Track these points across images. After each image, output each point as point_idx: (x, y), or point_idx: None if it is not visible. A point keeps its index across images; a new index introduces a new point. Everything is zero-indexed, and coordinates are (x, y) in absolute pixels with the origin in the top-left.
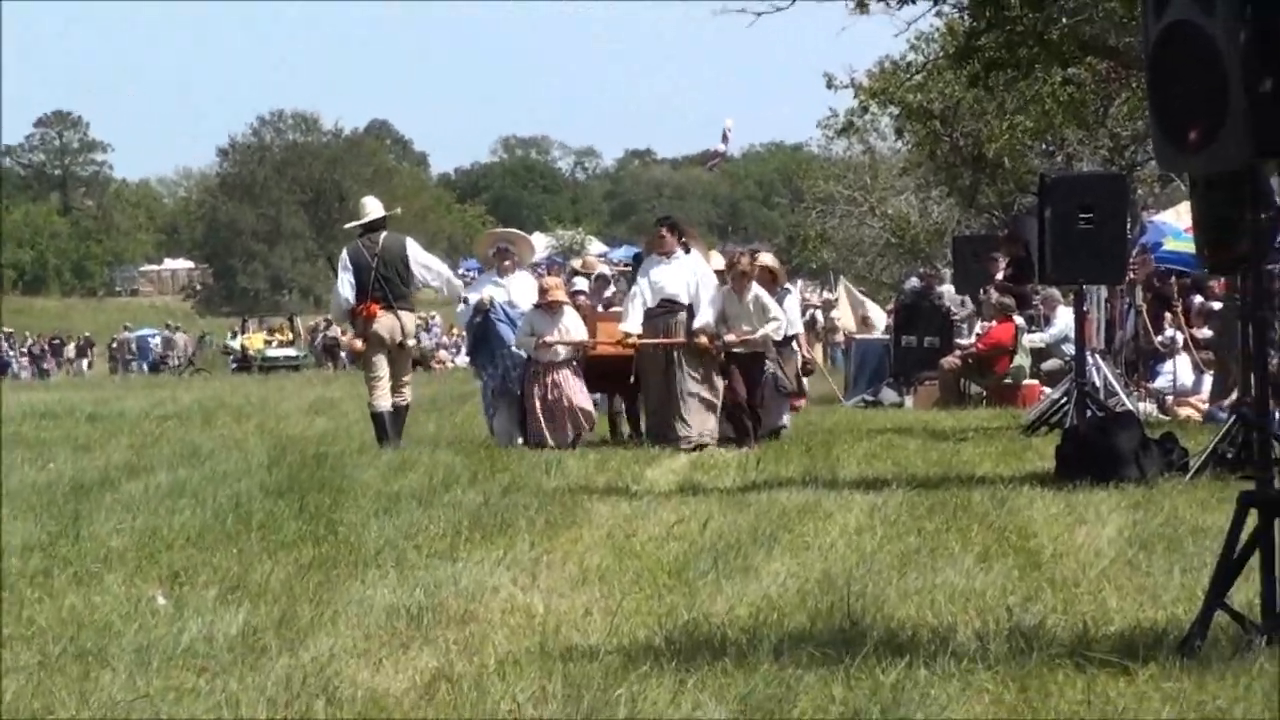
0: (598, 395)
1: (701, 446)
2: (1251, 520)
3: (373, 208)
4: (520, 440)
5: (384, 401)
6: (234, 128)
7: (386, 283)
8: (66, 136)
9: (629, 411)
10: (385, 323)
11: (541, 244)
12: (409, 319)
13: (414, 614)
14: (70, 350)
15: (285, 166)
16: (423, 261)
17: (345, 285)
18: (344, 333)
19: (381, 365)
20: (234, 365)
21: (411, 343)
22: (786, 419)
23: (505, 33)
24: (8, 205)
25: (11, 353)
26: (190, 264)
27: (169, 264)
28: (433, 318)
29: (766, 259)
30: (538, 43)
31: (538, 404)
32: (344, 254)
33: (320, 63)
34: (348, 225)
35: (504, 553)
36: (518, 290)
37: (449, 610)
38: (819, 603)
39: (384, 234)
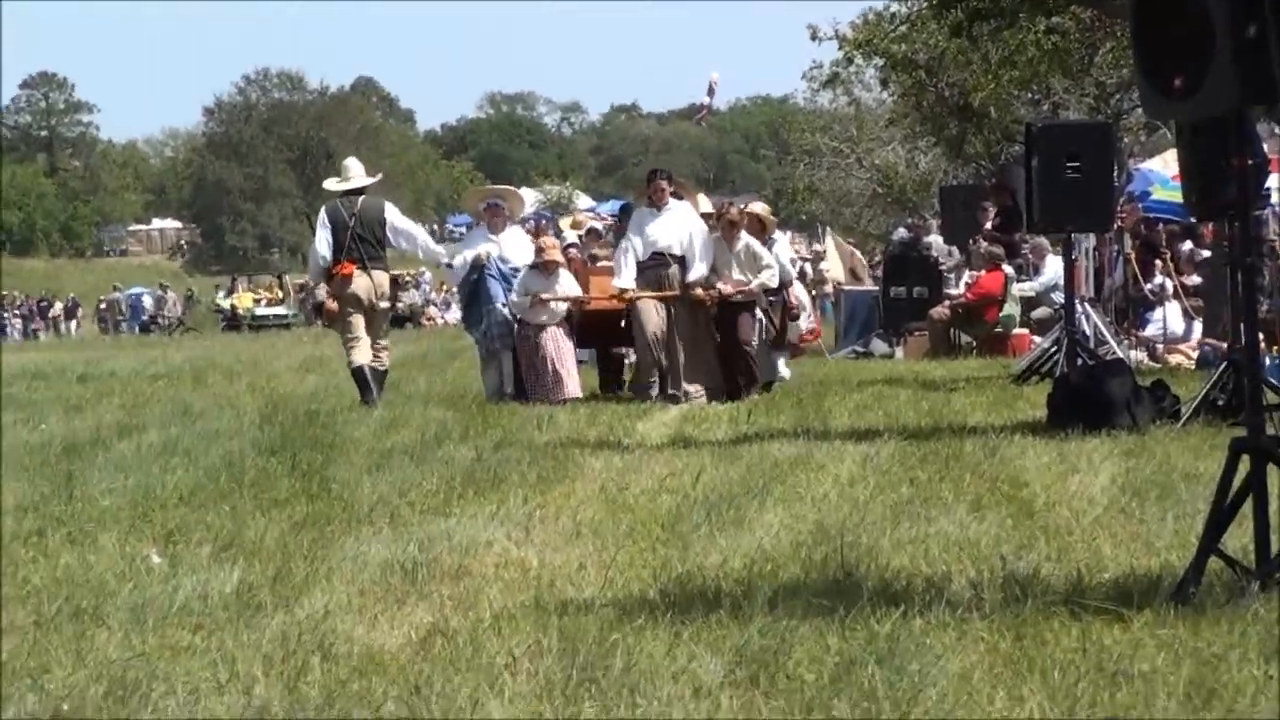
0: (587, 353)
1: (704, 398)
2: (1244, 467)
3: (356, 172)
4: (510, 395)
5: (362, 355)
6: (220, 87)
7: (362, 243)
8: (52, 98)
9: (617, 366)
10: (361, 283)
11: (530, 199)
12: (384, 279)
13: (408, 569)
14: (58, 311)
15: (271, 125)
16: (401, 228)
17: (323, 244)
18: (328, 294)
19: (359, 325)
20: (224, 324)
21: (386, 305)
22: (785, 370)
23: None
24: None
25: (5, 314)
26: (178, 224)
27: (157, 224)
28: (421, 274)
29: (757, 207)
30: None
31: (528, 363)
32: (322, 213)
33: (305, 21)
34: (327, 185)
35: (497, 508)
36: (510, 246)
37: (443, 565)
38: (813, 554)
39: (363, 196)
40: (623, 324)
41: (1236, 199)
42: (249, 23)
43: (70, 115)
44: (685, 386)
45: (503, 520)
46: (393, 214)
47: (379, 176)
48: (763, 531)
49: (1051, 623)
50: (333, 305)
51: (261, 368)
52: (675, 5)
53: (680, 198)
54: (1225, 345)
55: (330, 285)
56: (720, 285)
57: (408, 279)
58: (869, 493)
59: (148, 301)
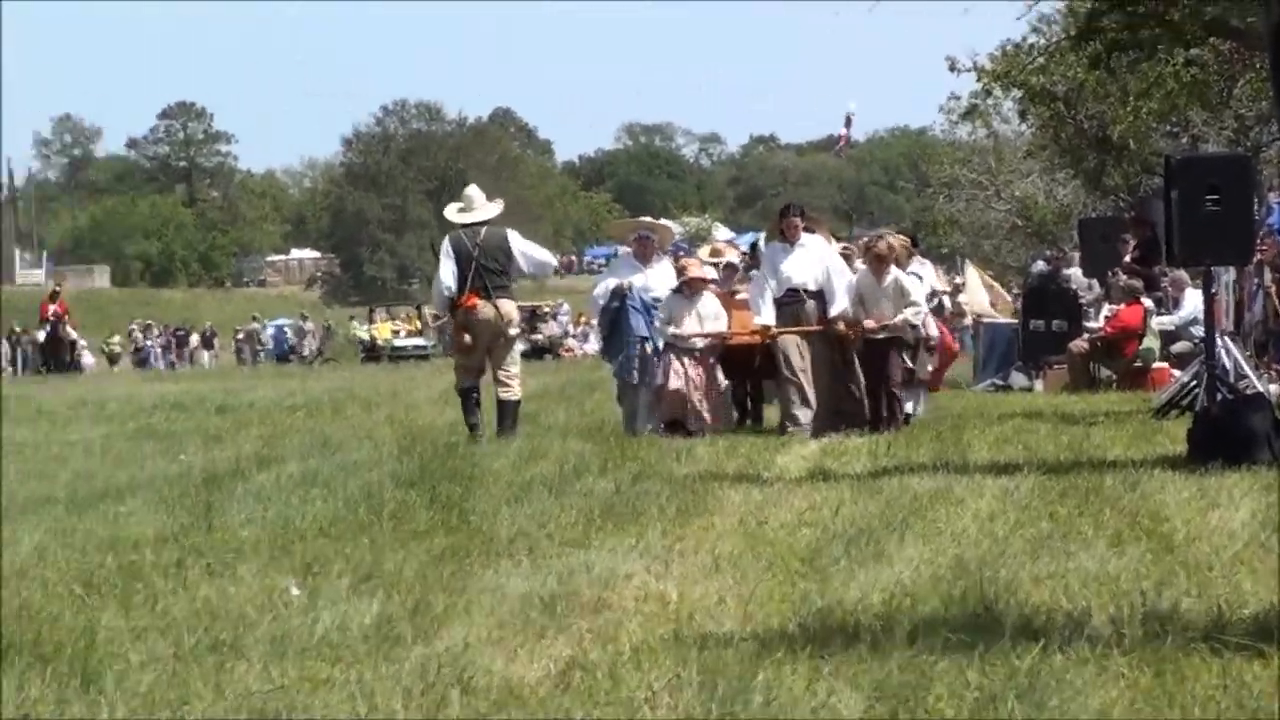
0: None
1: (839, 433)
2: None
3: (480, 203)
4: (650, 428)
5: (471, 379)
6: (358, 118)
7: (487, 273)
8: (191, 128)
9: (753, 400)
10: (487, 313)
11: (674, 232)
12: (510, 307)
13: (547, 602)
14: (195, 342)
15: (410, 156)
16: (525, 251)
17: (448, 274)
18: (457, 327)
19: (476, 354)
20: (363, 355)
21: (515, 331)
22: (918, 407)
23: (629, 21)
24: (134, 198)
25: (149, 343)
26: (317, 254)
27: (295, 254)
28: (560, 306)
29: (891, 240)
30: (661, 31)
31: (673, 389)
32: (445, 243)
33: (443, 52)
34: (449, 215)
35: (636, 540)
36: (657, 278)
37: (582, 598)
38: (952, 588)
39: (487, 227)
40: (755, 361)
41: None
42: (388, 54)
43: (209, 145)
44: (829, 421)
45: (642, 553)
46: (515, 240)
47: (501, 206)
48: (902, 565)
49: (1192, 659)
50: (467, 340)
51: (400, 399)
52: (814, 38)
53: (812, 231)
54: None
55: (456, 317)
56: (866, 321)
57: (546, 310)
58: (1008, 527)
59: (290, 333)
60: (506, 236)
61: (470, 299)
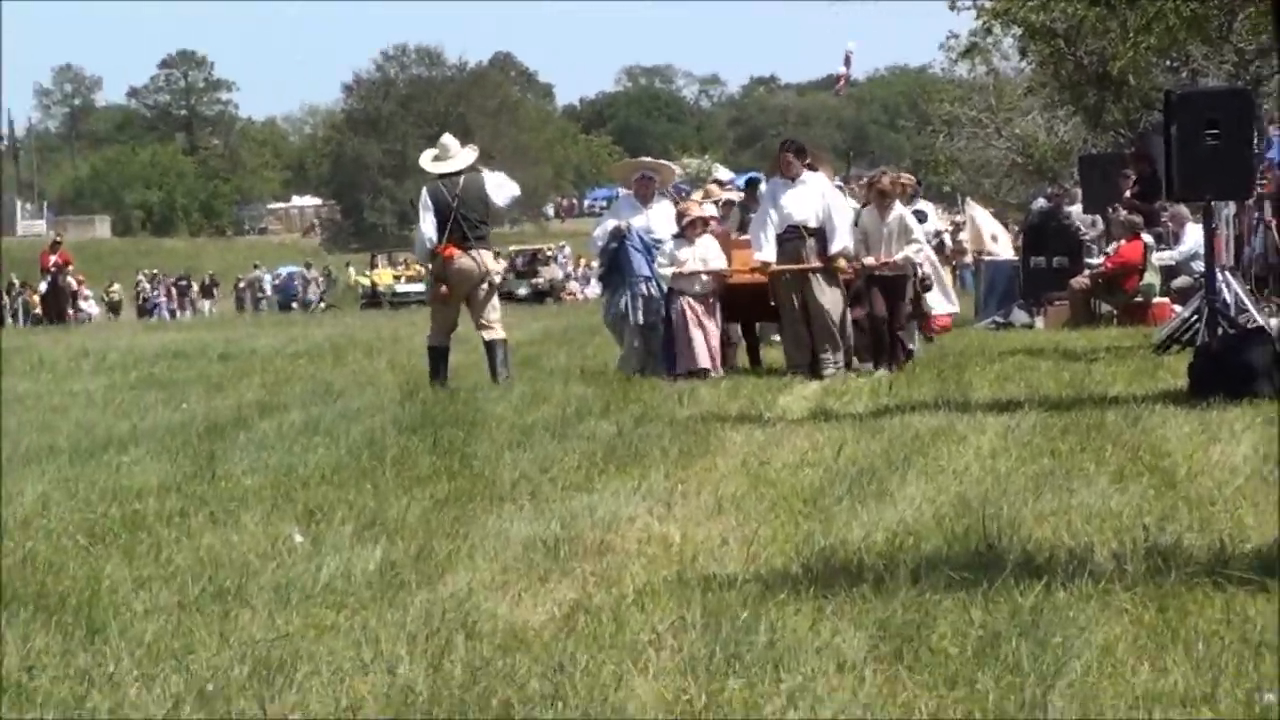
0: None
1: (845, 370)
2: None
3: (456, 152)
4: (647, 369)
5: (443, 337)
6: (358, 64)
7: (466, 223)
8: (191, 76)
9: (751, 340)
10: (465, 264)
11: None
12: (488, 257)
13: (551, 546)
14: (195, 289)
15: (410, 101)
16: (499, 185)
17: (428, 226)
18: (435, 277)
19: (451, 307)
20: (363, 301)
21: (497, 279)
22: (915, 343)
23: None
24: (134, 147)
25: (155, 293)
26: (317, 201)
27: (296, 201)
28: (561, 248)
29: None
30: None
31: (681, 331)
32: (424, 194)
33: None
34: (424, 165)
35: (639, 483)
36: (658, 219)
37: (585, 542)
38: (955, 526)
39: (464, 175)
40: (771, 302)
41: None
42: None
43: (210, 94)
44: (831, 355)
45: (645, 496)
46: (490, 180)
47: (477, 152)
48: (905, 504)
49: (1195, 594)
50: (445, 291)
51: (402, 344)
52: None
53: (814, 169)
54: None
55: (434, 266)
56: (866, 259)
57: (548, 253)
58: (1010, 464)
59: (297, 281)
60: (484, 183)
61: (448, 249)
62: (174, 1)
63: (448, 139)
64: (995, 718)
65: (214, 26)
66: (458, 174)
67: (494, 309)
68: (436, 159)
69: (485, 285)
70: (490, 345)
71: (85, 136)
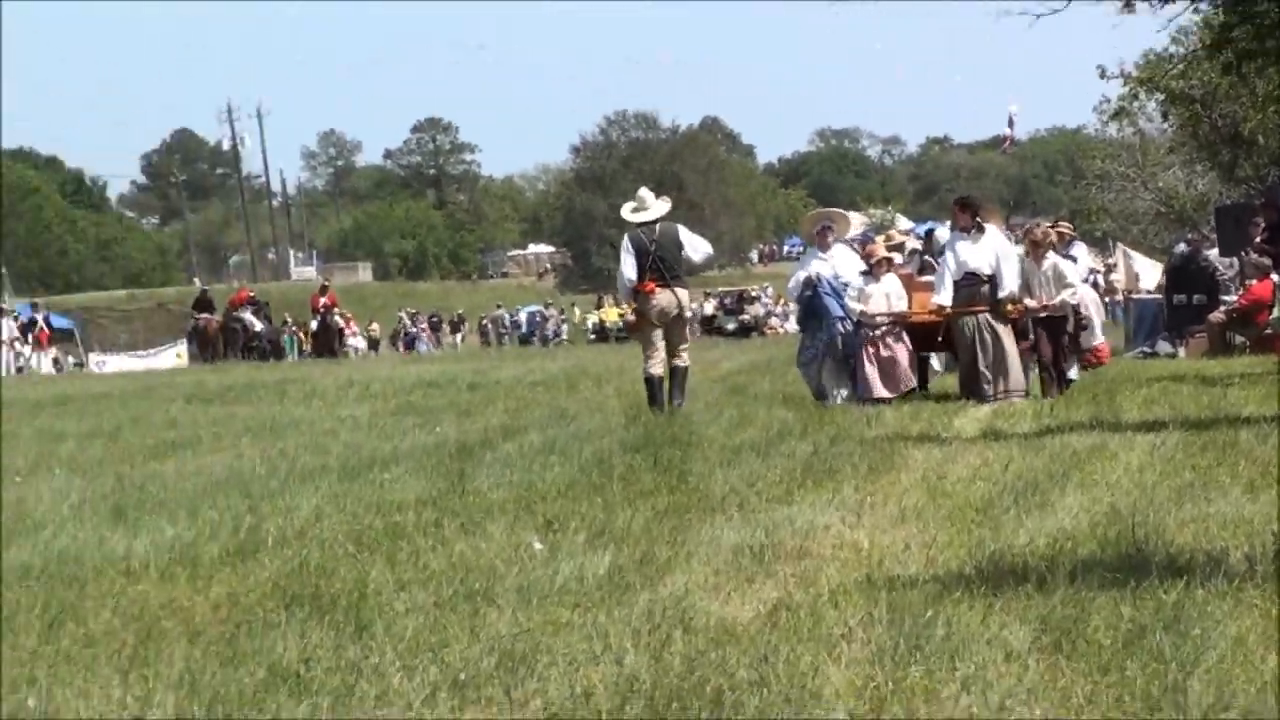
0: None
1: (1008, 398)
2: None
3: (652, 203)
4: (845, 395)
5: (656, 368)
6: (584, 127)
7: (662, 263)
8: (439, 140)
9: (922, 370)
10: (664, 298)
11: (856, 222)
12: (683, 293)
13: (756, 551)
14: (445, 327)
15: (630, 160)
16: (691, 242)
17: (629, 266)
18: (632, 309)
19: (658, 339)
20: (592, 337)
21: (689, 314)
22: (1075, 373)
23: (819, 33)
24: (391, 202)
25: (415, 328)
26: (551, 248)
27: (532, 249)
28: (765, 288)
29: (1046, 227)
30: (848, 42)
31: (868, 362)
32: (625, 240)
33: (657, 67)
34: (625, 215)
35: (832, 495)
36: (840, 263)
37: (786, 547)
38: (1108, 532)
39: (660, 223)
40: (940, 338)
41: None
42: (608, 68)
43: (455, 155)
44: (1000, 386)
45: (837, 507)
46: (684, 234)
47: (670, 203)
48: (1064, 513)
49: None
50: (633, 318)
51: (626, 375)
52: (979, 48)
53: (985, 220)
54: None
55: (636, 301)
56: (1027, 301)
57: (753, 293)
58: (1156, 478)
59: (538, 319)
60: (678, 230)
61: (649, 285)
62: (425, 75)
63: (644, 192)
64: (1142, 700)
65: (459, 95)
66: (654, 222)
67: (686, 339)
68: (635, 210)
69: (681, 317)
70: (675, 370)
71: (347, 193)
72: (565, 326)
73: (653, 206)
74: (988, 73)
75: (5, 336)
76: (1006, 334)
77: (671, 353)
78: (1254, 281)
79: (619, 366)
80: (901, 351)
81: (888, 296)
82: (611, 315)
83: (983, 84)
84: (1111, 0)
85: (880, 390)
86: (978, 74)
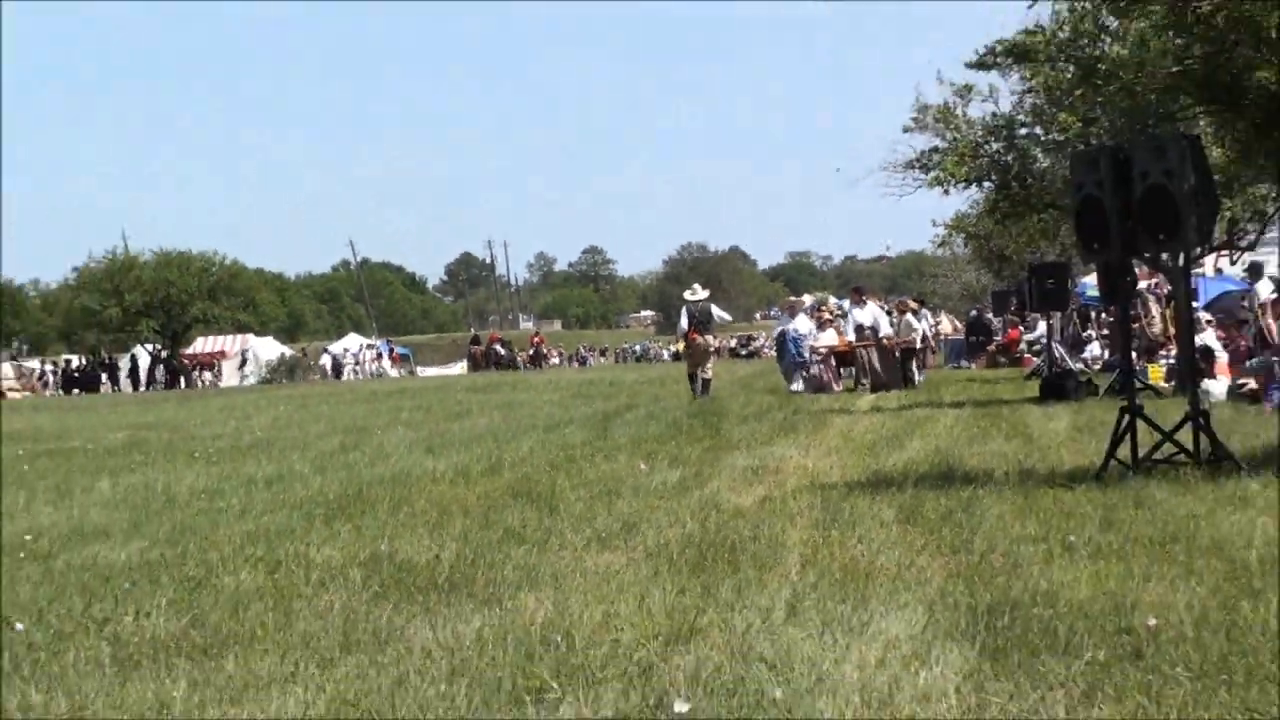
0: None
1: (885, 391)
2: None
3: (700, 291)
4: (798, 388)
5: (692, 371)
6: (669, 250)
7: (701, 324)
8: (596, 257)
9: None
10: (700, 341)
11: (808, 300)
12: (711, 339)
13: (755, 470)
14: (598, 353)
15: (693, 267)
16: (717, 313)
17: (685, 322)
18: (685, 345)
19: (696, 361)
20: (670, 359)
21: (713, 349)
22: (919, 378)
23: (794, 191)
24: (572, 288)
25: (584, 353)
26: (652, 313)
27: (644, 313)
28: (759, 334)
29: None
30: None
31: (818, 375)
32: (684, 308)
33: (711, 221)
34: (686, 296)
35: (794, 441)
36: (799, 323)
37: (770, 468)
38: (933, 460)
39: (702, 301)
40: (849, 359)
41: None
42: (682, 223)
43: (605, 265)
44: (879, 385)
45: (797, 446)
46: (714, 309)
47: (709, 292)
48: (911, 450)
49: None
50: (685, 349)
51: (685, 381)
52: (873, 210)
53: (868, 299)
54: None
55: (686, 342)
56: (894, 339)
57: (754, 336)
58: (959, 431)
59: (646, 348)
60: (711, 306)
61: (694, 334)
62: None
63: (696, 284)
64: (949, 548)
65: (607, 236)
66: (699, 301)
67: (710, 365)
68: (691, 294)
69: (708, 351)
70: (704, 380)
71: (549, 284)
72: (663, 353)
73: (700, 292)
74: (880, 218)
75: (372, 356)
76: (882, 357)
77: (702, 370)
78: (1009, 330)
79: (682, 375)
80: (830, 368)
81: (827, 337)
82: (679, 347)
83: (878, 224)
84: (938, 185)
85: (823, 386)
86: (877, 223)
